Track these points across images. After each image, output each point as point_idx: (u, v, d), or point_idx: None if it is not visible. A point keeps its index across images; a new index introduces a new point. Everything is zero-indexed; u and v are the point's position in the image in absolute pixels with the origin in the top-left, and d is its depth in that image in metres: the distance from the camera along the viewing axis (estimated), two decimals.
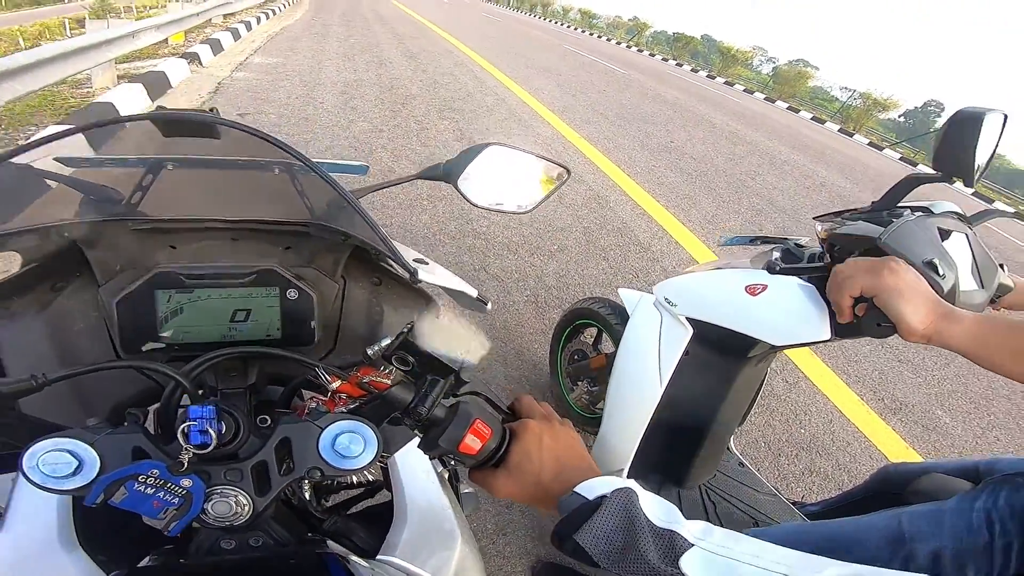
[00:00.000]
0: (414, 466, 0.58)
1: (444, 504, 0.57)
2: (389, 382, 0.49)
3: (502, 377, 2.02)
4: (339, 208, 0.64)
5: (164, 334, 0.55)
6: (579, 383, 1.71)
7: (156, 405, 0.47)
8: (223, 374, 0.52)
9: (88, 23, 5.77)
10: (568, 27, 33.77)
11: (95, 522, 0.48)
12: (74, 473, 0.38)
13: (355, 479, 0.65)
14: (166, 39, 6.67)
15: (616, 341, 1.44)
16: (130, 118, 0.56)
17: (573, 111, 6.54)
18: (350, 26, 11.49)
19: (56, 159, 0.77)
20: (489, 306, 0.66)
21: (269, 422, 0.48)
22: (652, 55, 26.16)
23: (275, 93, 5.03)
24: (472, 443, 0.46)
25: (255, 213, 0.63)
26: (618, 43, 28.73)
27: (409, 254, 0.63)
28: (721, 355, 1.19)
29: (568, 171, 0.77)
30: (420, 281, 0.58)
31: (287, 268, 0.59)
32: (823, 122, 17.13)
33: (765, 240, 1.21)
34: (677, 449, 1.32)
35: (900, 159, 14.23)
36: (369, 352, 0.51)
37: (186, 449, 0.40)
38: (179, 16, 6.89)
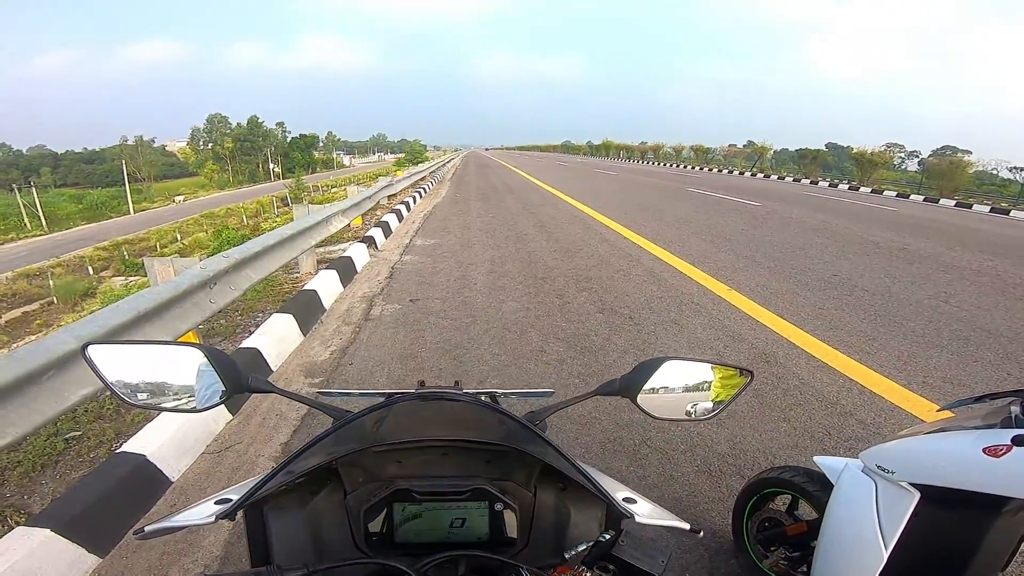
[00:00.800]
0: None
1: None
2: None
3: (675, 546, 1.83)
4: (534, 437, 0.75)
5: (400, 535, 0.67)
6: (773, 550, 1.64)
7: None
8: (441, 568, 0.61)
9: (293, 207, 7.31)
10: (684, 167, 35.28)
11: None
12: None
13: None
14: (349, 223, 8.28)
15: (817, 508, 1.42)
16: (403, 394, 0.83)
17: (714, 259, 6.33)
18: (486, 201, 13.31)
19: (321, 392, 1.05)
20: (701, 534, 0.67)
21: None
22: (781, 178, 25.74)
23: (436, 277, 5.69)
24: None
25: (463, 435, 0.74)
26: (740, 172, 28.93)
27: (616, 489, 0.72)
28: (965, 511, 1.07)
29: (752, 374, 0.77)
30: (634, 521, 0.64)
31: (492, 483, 0.69)
32: (1007, 212, 14.85)
33: (995, 395, 1.11)
34: None
35: None
36: (567, 556, 0.61)
37: None
38: (358, 200, 8.41)
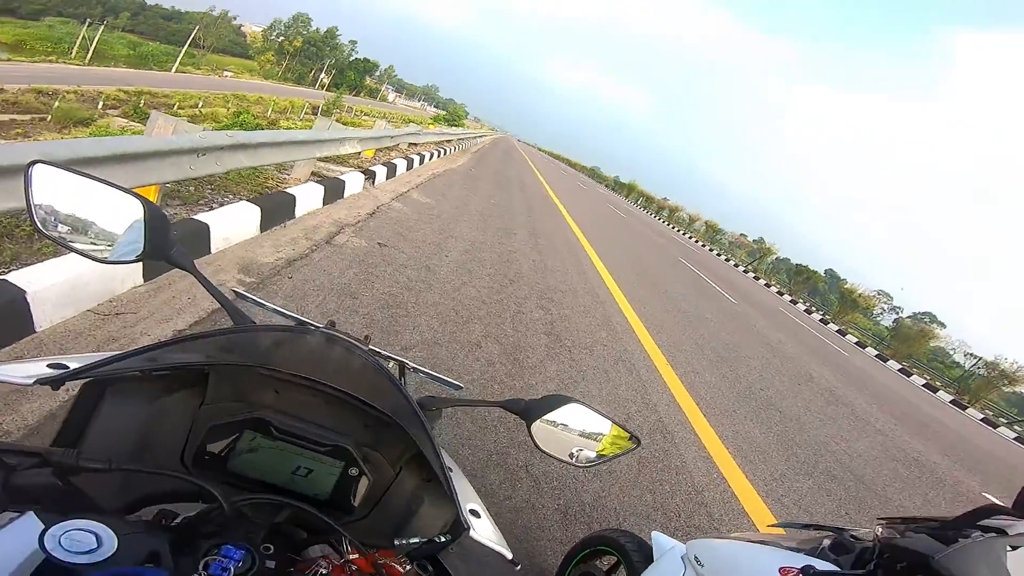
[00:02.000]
0: None
1: None
2: (403, 571, 0.52)
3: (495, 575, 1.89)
4: (430, 410, 0.75)
5: (236, 464, 0.64)
6: None
7: (188, 513, 0.53)
8: (259, 510, 0.57)
9: (318, 117, 7.20)
10: (690, 238, 35.93)
11: None
12: (88, 552, 0.40)
13: None
14: (360, 152, 8.22)
15: None
16: (301, 326, 0.82)
17: (668, 332, 6.52)
18: (497, 187, 13.34)
19: (237, 293, 1.01)
20: (519, 567, 0.69)
21: (274, 566, 0.50)
22: (769, 285, 26.38)
23: (414, 233, 5.75)
24: None
25: (355, 389, 0.70)
26: (736, 265, 29.54)
27: (468, 499, 0.72)
28: None
29: (639, 442, 0.81)
30: (468, 534, 0.63)
31: (359, 448, 0.68)
32: (935, 390, 16.29)
33: (820, 527, 1.15)
34: None
35: (1015, 439, 12.74)
36: (397, 543, 0.58)
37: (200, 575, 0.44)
38: (379, 135, 8.44)
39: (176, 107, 26.47)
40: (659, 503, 2.81)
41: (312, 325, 0.85)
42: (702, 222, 44.38)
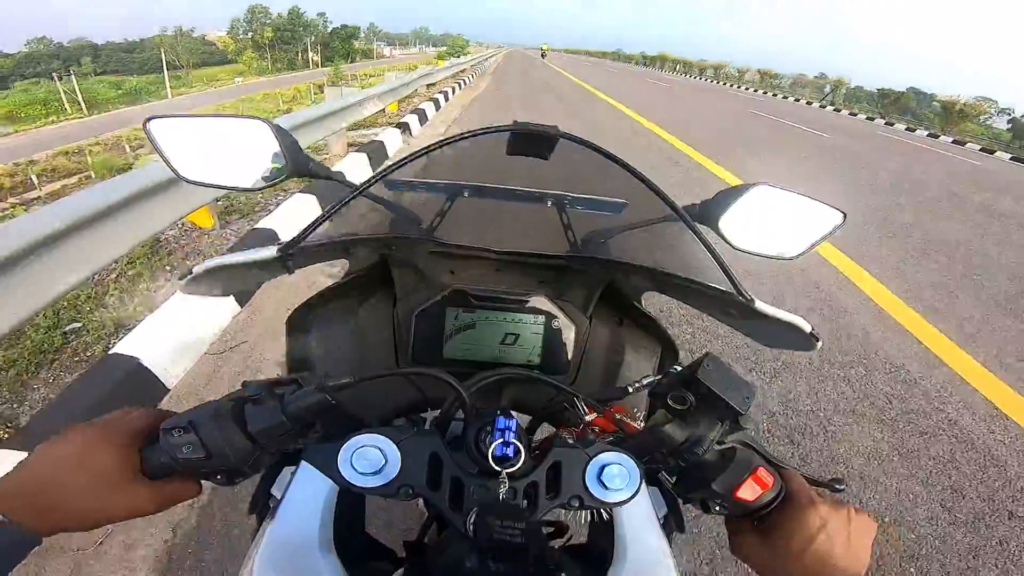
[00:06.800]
0: (638, 509, 0.50)
1: (665, 551, 0.49)
2: (638, 424, 0.50)
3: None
4: (599, 243, 0.68)
5: (448, 350, 0.65)
6: None
7: (426, 414, 0.59)
8: (482, 394, 0.52)
9: (326, 89, 6.77)
10: (746, 88, 32.15)
11: (353, 531, 0.51)
12: (377, 472, 0.41)
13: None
14: (384, 108, 7.66)
15: None
16: (485, 131, 0.55)
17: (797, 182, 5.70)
18: (533, 94, 12.25)
19: (385, 182, 0.82)
20: (820, 344, 0.54)
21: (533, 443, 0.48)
22: (853, 114, 23.46)
23: None
24: (750, 491, 0.44)
25: (523, 245, 0.68)
26: (809, 103, 26.37)
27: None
28: None
29: (844, 215, 0.66)
30: (757, 309, 0.53)
31: (552, 300, 0.66)
32: None
33: None
34: None
35: None
36: (630, 389, 0.51)
37: (487, 457, 0.42)
38: (395, 86, 7.78)
39: None
40: (859, 392, 2.29)
41: (465, 185, 0.68)
42: (753, 71, 39.84)
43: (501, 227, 0.72)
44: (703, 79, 38.51)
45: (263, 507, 0.49)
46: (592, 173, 0.63)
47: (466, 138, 0.54)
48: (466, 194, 0.68)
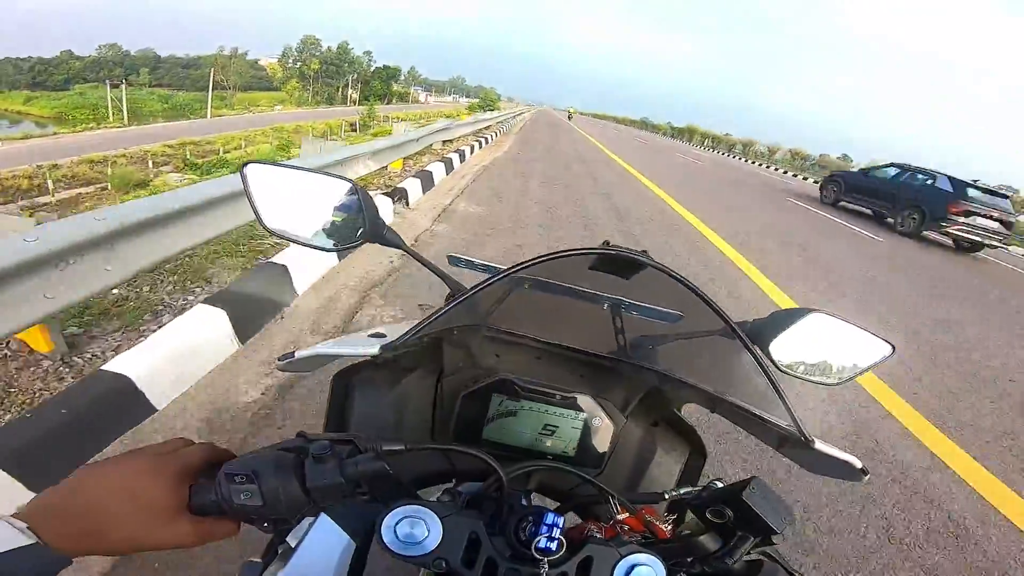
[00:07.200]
0: None
1: None
2: (667, 528, 0.51)
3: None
4: (648, 348, 0.72)
5: (487, 432, 0.64)
6: None
7: (450, 486, 0.58)
8: (517, 476, 0.54)
9: (303, 143, 6.00)
10: (776, 170, 31.63)
11: None
12: (418, 542, 0.41)
13: None
14: (387, 165, 6.69)
15: None
16: (577, 252, 0.58)
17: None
18: (555, 169, 11.51)
19: (450, 256, 0.96)
20: (867, 478, 0.58)
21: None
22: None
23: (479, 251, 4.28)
24: None
25: (572, 339, 0.70)
26: None
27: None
28: None
29: (893, 348, 0.68)
30: (817, 450, 0.57)
31: (595, 398, 0.65)
32: None
33: None
34: None
35: None
36: (667, 495, 0.54)
37: (526, 545, 0.43)
38: (397, 142, 6.92)
39: (222, 151, 26.98)
40: None
41: (527, 273, 0.63)
42: (784, 151, 39.62)
43: (552, 319, 0.74)
44: (732, 155, 38.29)
45: (273, 552, 0.50)
46: (650, 279, 0.63)
47: (558, 258, 0.56)
48: (527, 286, 0.71)
